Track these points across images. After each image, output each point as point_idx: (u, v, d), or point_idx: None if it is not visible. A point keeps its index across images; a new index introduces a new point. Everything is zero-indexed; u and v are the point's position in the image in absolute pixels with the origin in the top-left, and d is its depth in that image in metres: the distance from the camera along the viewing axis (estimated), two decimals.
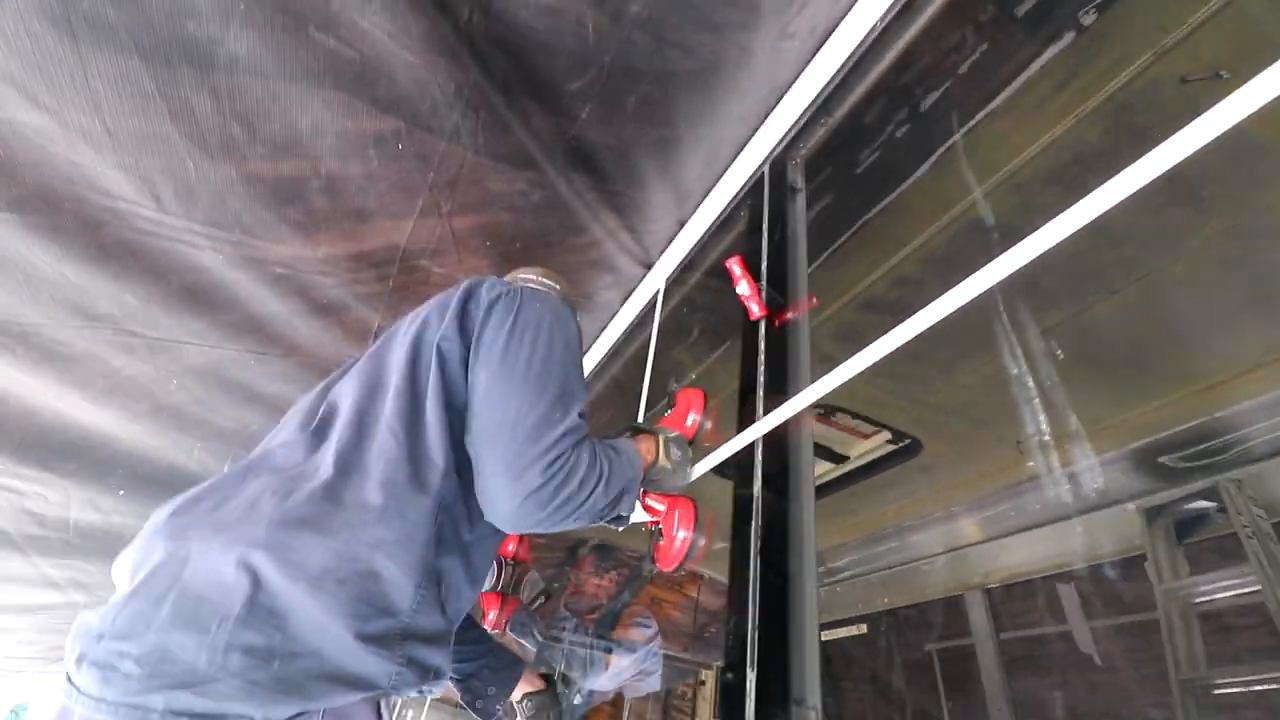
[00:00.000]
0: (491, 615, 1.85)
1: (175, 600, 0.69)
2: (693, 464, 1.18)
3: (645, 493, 1.14)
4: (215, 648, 0.67)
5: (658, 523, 1.13)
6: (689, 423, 1.26)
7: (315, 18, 1.04)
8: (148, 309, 1.52)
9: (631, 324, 2.16)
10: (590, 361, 2.41)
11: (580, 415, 0.93)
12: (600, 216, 1.70)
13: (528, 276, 1.23)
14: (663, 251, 1.96)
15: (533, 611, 1.96)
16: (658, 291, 1.94)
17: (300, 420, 0.96)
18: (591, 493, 0.89)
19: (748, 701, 0.85)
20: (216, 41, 1.04)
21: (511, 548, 2.09)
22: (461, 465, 0.89)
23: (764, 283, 1.31)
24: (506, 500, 0.84)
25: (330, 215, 1.43)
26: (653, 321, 1.87)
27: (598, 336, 2.34)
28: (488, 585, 1.85)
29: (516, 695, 1.31)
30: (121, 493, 2.06)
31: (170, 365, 1.69)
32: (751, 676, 0.87)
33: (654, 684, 1.83)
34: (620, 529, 1.08)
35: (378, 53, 1.12)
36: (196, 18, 1.02)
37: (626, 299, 2.16)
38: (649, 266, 2.00)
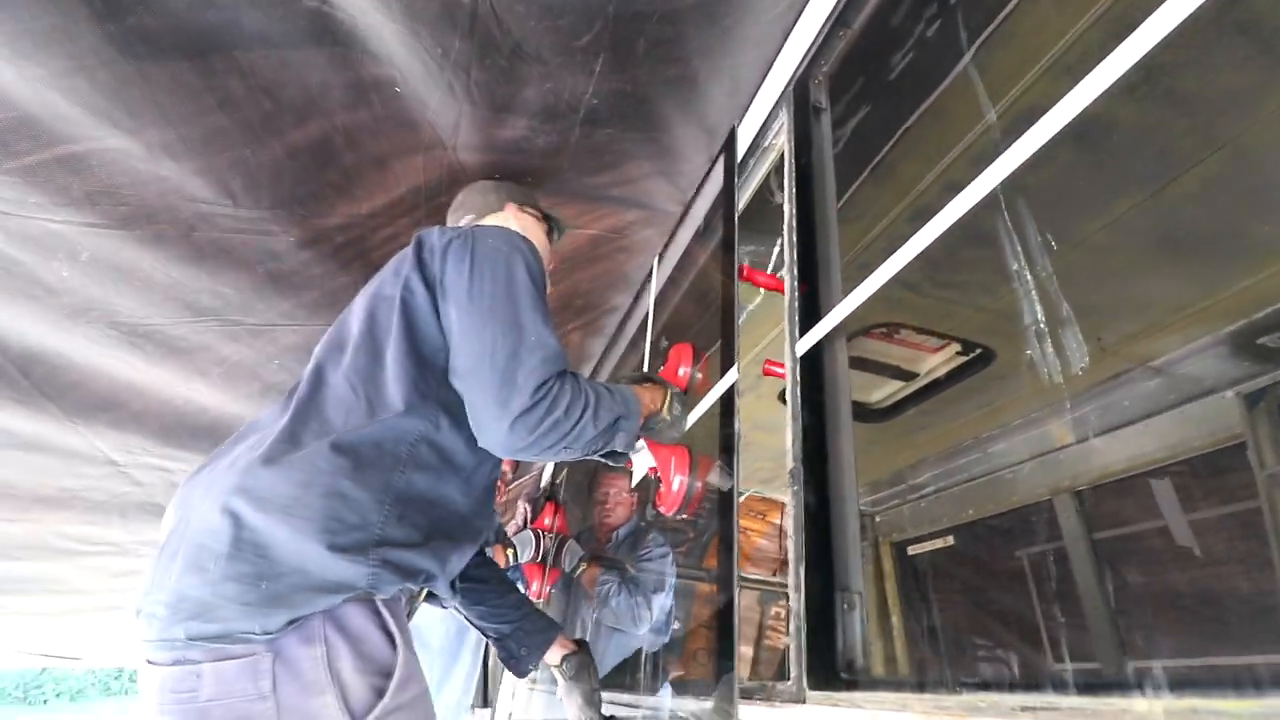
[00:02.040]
0: (535, 586, 2.05)
1: (184, 553, 0.86)
2: (686, 416, 1.27)
3: (649, 442, 1.25)
4: (213, 582, 0.82)
5: (656, 471, 1.27)
6: (680, 374, 1.35)
7: None
8: (243, 298, 1.73)
9: (672, 268, 2.20)
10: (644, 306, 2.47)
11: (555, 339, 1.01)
12: (631, 160, 1.73)
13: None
14: (698, 190, 1.97)
15: (575, 579, 2.13)
16: (697, 231, 1.96)
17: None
18: (579, 419, 0.97)
19: (800, 591, 0.96)
20: (232, 24, 1.14)
21: (547, 521, 2.27)
22: (448, 401, 1.01)
23: (794, 207, 1.32)
24: (496, 424, 0.94)
25: (358, 168, 1.52)
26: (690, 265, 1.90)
27: (644, 283, 2.40)
28: (526, 558, 2.05)
29: (555, 658, 1.41)
30: None
31: (268, 347, 1.92)
32: (800, 570, 0.97)
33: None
34: (619, 466, 1.22)
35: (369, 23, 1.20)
36: (214, 5, 1.12)
37: (669, 241, 2.19)
38: (686, 206, 2.01)
